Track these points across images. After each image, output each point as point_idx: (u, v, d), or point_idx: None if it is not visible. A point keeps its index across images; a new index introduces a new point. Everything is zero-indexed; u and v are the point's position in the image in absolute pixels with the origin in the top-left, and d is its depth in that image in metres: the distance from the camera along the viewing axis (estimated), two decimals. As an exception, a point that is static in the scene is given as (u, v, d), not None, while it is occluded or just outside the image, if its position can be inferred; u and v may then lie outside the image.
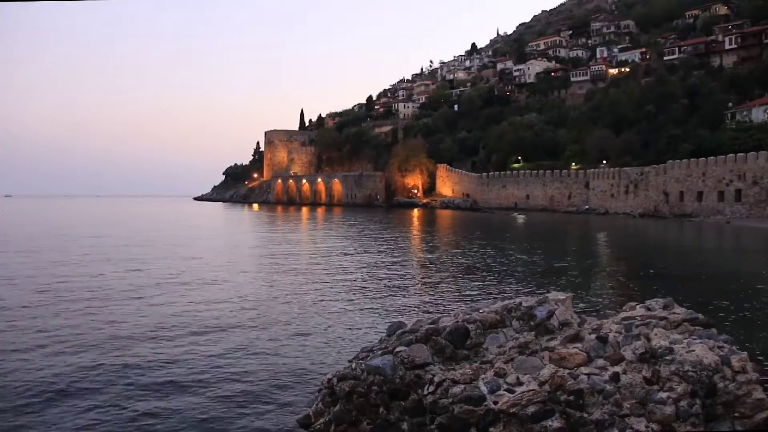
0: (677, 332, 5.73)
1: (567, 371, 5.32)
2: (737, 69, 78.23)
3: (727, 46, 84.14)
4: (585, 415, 5.09)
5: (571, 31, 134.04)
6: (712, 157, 57.51)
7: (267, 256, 27.92)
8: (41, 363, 9.67)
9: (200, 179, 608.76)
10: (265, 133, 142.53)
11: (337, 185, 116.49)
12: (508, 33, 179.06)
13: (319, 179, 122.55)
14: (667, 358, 5.27)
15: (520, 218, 64.76)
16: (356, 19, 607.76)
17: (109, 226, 52.06)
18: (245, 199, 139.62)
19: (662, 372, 5.19)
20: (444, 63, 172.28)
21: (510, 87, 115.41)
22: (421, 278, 20.14)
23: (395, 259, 25.68)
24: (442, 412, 5.41)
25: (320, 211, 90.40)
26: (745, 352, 5.47)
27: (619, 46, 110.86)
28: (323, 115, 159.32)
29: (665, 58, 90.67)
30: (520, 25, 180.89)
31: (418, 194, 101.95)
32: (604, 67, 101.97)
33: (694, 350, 5.28)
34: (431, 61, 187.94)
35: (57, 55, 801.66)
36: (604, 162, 75.58)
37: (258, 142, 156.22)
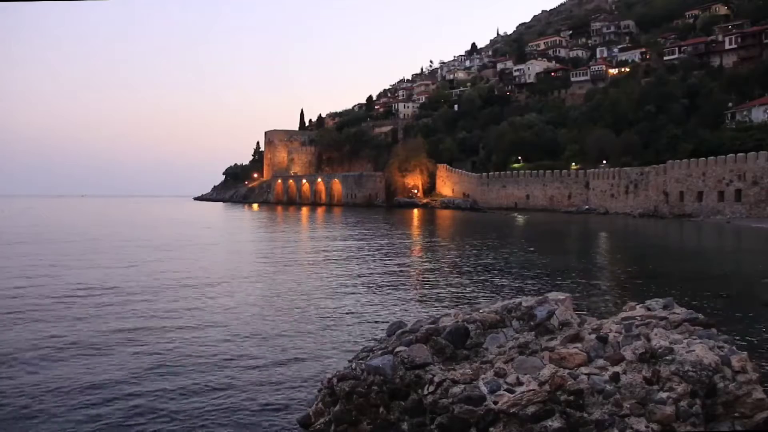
0: (677, 332, 5.73)
1: (567, 371, 5.32)
2: (737, 69, 78.23)
3: (727, 46, 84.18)
4: (585, 415, 5.09)
5: (571, 31, 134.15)
6: (712, 157, 57.51)
7: (266, 256, 27.92)
8: (49, 351, 9.68)
9: (200, 179, 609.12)
10: (265, 133, 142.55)
11: (337, 185, 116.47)
12: (508, 33, 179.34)
13: (319, 179, 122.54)
14: (667, 358, 5.27)
15: (520, 218, 64.74)
16: (356, 20, 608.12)
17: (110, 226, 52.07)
18: (245, 199, 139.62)
19: (662, 372, 5.19)
20: (444, 63, 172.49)
21: (510, 87, 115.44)
22: (421, 278, 20.14)
23: (395, 259, 25.68)
24: (442, 412, 5.41)
25: (320, 211, 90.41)
26: (745, 352, 5.48)
27: (619, 46, 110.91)
28: (323, 115, 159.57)
29: (665, 58, 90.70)
30: (520, 25, 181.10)
31: (418, 194, 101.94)
32: (604, 67, 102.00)
33: (694, 350, 5.28)
34: (431, 61, 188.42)
35: (54, 54, 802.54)
36: (604, 162, 75.59)
37: (258, 142, 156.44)
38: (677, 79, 79.57)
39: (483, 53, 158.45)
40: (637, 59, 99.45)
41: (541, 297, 6.39)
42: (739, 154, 55.07)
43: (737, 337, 9.24)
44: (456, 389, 5.43)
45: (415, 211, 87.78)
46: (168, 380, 8.82)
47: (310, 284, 18.55)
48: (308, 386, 8.37)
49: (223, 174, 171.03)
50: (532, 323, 6.03)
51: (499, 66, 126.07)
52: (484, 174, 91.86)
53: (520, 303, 6.26)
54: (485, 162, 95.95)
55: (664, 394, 5.07)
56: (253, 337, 11.59)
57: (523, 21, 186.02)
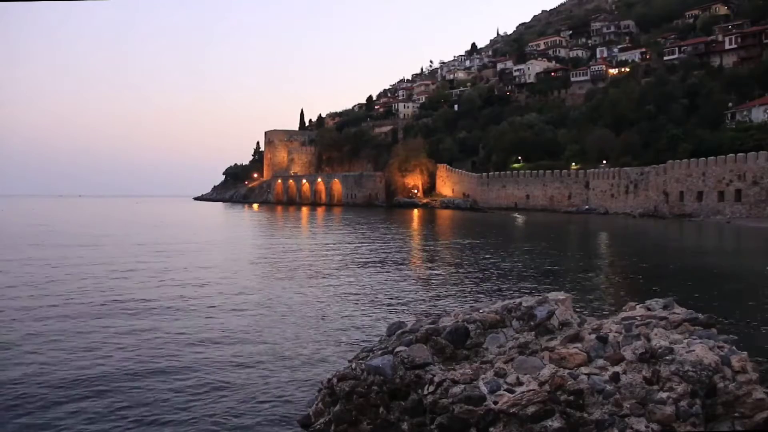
0: (677, 332, 5.73)
1: (567, 371, 5.31)
2: (737, 69, 78.20)
3: (727, 46, 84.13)
4: (585, 415, 5.09)
5: (571, 31, 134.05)
6: (712, 157, 57.51)
7: (267, 256, 27.91)
8: (47, 357, 9.68)
9: (200, 179, 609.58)
10: (265, 133, 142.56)
11: (337, 185, 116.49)
12: (508, 33, 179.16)
13: (319, 179, 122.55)
14: (667, 358, 5.27)
15: (520, 218, 64.75)
16: (356, 20, 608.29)
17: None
18: (245, 199, 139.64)
19: (662, 372, 5.19)
20: (444, 63, 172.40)
21: (510, 87, 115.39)
22: (422, 278, 20.13)
23: (395, 259, 25.68)
24: (442, 412, 5.41)
25: (320, 211, 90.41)
26: (745, 352, 5.47)
27: (619, 46, 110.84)
28: (323, 115, 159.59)
29: (665, 58, 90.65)
30: (520, 25, 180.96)
31: (418, 194, 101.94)
32: (604, 67, 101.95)
33: (694, 350, 5.27)
34: (431, 61, 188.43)
35: (54, 54, 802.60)
36: (604, 162, 75.58)
37: (258, 142, 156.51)
38: (677, 79, 79.52)
39: (483, 53, 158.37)
40: (637, 59, 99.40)
41: (541, 297, 6.39)
42: (739, 154, 55.06)
43: (737, 337, 9.22)
44: (456, 389, 5.43)
45: (415, 211, 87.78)
46: (167, 380, 8.82)
47: (310, 284, 18.55)
48: (308, 386, 8.37)
49: (223, 174, 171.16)
50: (532, 323, 6.03)
51: (499, 66, 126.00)
52: (484, 174, 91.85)
53: (520, 303, 6.26)
54: (485, 162, 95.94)
55: (664, 394, 5.06)
56: (253, 337, 11.59)
57: (523, 21, 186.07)
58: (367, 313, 14.00)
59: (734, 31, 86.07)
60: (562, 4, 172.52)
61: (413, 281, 19.45)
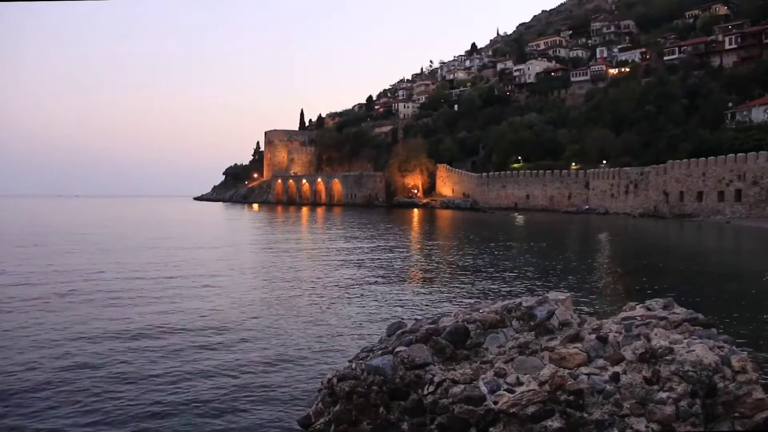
0: (677, 332, 5.72)
1: (567, 371, 5.31)
2: (737, 69, 78.23)
3: (727, 46, 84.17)
4: (585, 415, 5.08)
5: (571, 31, 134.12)
6: (712, 157, 57.51)
7: (266, 256, 27.92)
8: (44, 353, 9.68)
9: (200, 179, 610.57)
10: (265, 133, 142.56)
11: (337, 185, 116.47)
12: (508, 33, 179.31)
13: (319, 179, 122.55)
14: (667, 358, 5.26)
15: (520, 218, 64.74)
16: (356, 20, 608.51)
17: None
18: (245, 199, 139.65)
19: (662, 372, 5.19)
20: (444, 63, 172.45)
21: (510, 87, 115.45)
22: (422, 278, 20.14)
23: (395, 259, 25.68)
24: (442, 412, 5.41)
25: (320, 211, 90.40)
26: (745, 352, 5.47)
27: (619, 46, 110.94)
28: (323, 115, 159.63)
29: (665, 58, 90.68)
30: (520, 25, 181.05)
31: (418, 194, 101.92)
32: (604, 67, 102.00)
33: (694, 350, 5.27)
34: (431, 61, 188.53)
35: (54, 54, 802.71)
36: (604, 162, 75.57)
37: (258, 142, 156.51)
38: (677, 79, 79.53)
39: (483, 53, 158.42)
40: (637, 59, 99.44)
41: (541, 297, 6.38)
42: (739, 154, 55.06)
43: (737, 337, 9.23)
44: (456, 389, 5.43)
45: (415, 211, 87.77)
46: (167, 380, 8.82)
47: (310, 285, 18.55)
48: (308, 386, 8.37)
49: (223, 174, 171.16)
50: (532, 323, 6.02)
51: (499, 66, 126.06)
52: (484, 174, 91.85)
53: (520, 303, 6.25)
54: (485, 162, 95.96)
55: (664, 394, 5.06)
56: (253, 337, 11.59)
57: (523, 21, 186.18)
58: (367, 313, 14.00)
59: (734, 31, 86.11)
60: (562, 4, 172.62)
61: (413, 281, 19.46)
